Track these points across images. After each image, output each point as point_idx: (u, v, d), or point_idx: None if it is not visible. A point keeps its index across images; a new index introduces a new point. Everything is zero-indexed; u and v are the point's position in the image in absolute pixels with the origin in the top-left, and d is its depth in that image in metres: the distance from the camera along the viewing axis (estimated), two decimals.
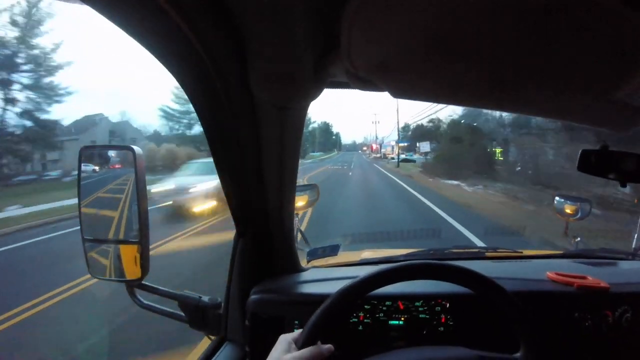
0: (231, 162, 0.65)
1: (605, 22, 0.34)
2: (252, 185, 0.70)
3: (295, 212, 1.14)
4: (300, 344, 0.51)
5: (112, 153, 0.82)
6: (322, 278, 0.85)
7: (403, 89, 0.51)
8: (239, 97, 0.55)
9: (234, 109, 0.56)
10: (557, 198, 1.42)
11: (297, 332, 0.55)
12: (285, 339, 0.53)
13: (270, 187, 0.71)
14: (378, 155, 53.99)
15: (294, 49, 0.47)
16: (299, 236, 1.20)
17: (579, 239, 1.42)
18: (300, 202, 1.11)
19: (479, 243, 4.48)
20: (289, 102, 0.59)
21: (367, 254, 1.15)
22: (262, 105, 0.57)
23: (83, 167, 0.77)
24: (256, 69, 0.51)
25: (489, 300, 0.59)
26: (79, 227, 0.77)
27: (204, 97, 0.54)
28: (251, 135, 0.61)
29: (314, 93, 0.58)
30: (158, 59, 0.47)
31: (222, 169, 0.65)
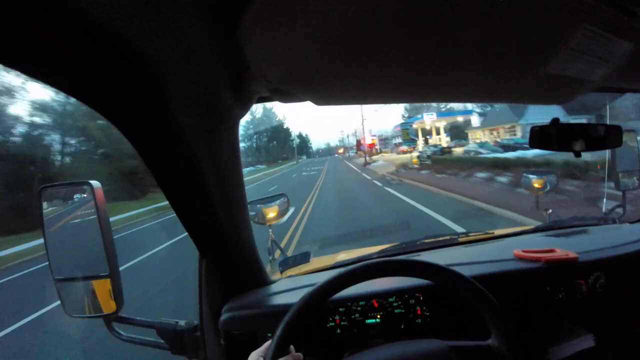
0: (176, 188, 0.65)
1: None
2: (201, 208, 0.70)
3: (268, 223, 1.15)
4: (269, 357, 0.52)
5: (71, 189, 0.81)
6: (291, 287, 0.86)
7: (324, 96, 0.51)
8: (165, 126, 0.55)
9: (164, 138, 0.57)
10: (524, 174, 1.47)
11: (265, 345, 0.56)
12: (252, 356, 0.54)
13: (218, 207, 0.71)
14: (379, 155, 28.10)
15: (207, 75, 0.47)
16: (276, 247, 1.20)
17: (550, 211, 1.46)
18: (271, 213, 1.11)
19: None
20: (216, 125, 0.59)
21: (342, 256, 1.16)
22: (190, 131, 0.57)
23: None
24: (175, 99, 0.51)
25: (450, 288, 0.60)
26: None
27: (133, 128, 0.54)
28: (187, 160, 0.61)
29: (240, 111, 0.59)
30: (87, 104, 0.47)
31: (169, 195, 0.65)
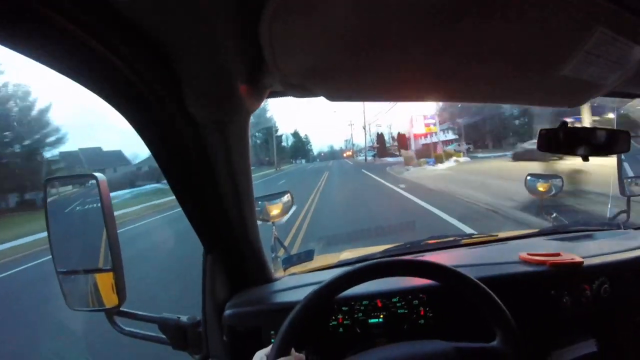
0: (184, 182, 0.65)
1: None
2: (209, 203, 0.70)
3: (272, 220, 1.15)
4: (272, 356, 0.52)
5: (76, 182, 0.81)
6: (295, 285, 0.86)
7: (338, 92, 0.52)
8: (178, 118, 0.55)
9: (175, 130, 0.57)
10: (528, 177, 1.46)
11: (271, 346, 0.56)
12: (257, 355, 0.54)
13: (226, 202, 0.71)
14: None
15: (224, 66, 0.48)
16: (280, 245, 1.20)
17: (554, 214, 1.46)
18: (274, 210, 1.11)
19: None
20: (228, 117, 0.59)
21: (346, 255, 1.16)
22: (202, 123, 0.57)
23: None
24: (191, 90, 0.51)
25: (457, 291, 0.60)
26: None
27: (144, 121, 0.54)
28: (197, 153, 0.61)
29: (253, 105, 0.59)
30: (98, 95, 0.47)
31: (177, 190, 0.65)
